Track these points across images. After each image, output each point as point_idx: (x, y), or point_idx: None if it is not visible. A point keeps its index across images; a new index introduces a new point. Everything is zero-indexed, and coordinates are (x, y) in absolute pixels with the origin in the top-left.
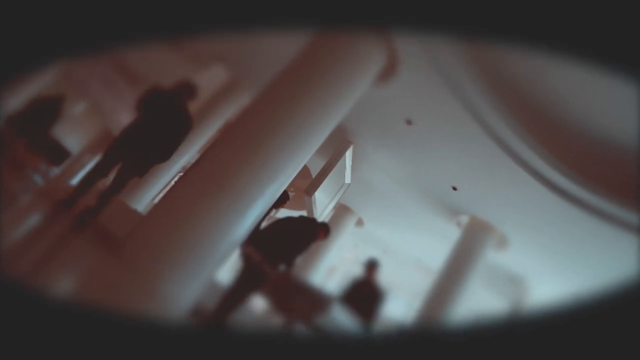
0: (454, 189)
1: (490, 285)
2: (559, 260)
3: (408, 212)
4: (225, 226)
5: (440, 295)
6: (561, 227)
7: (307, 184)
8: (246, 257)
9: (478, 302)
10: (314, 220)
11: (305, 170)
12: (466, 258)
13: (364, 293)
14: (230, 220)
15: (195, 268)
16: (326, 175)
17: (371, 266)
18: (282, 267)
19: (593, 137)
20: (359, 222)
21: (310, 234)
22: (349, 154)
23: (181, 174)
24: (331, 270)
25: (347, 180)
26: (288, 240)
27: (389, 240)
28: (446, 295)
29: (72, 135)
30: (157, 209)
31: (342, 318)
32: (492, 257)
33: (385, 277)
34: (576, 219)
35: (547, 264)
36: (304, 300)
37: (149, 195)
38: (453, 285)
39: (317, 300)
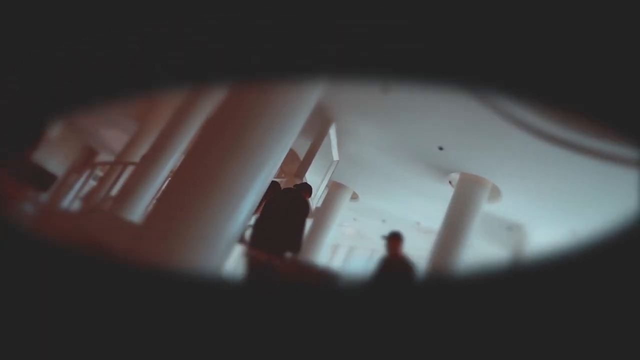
0: (440, 148)
1: (490, 236)
2: (553, 202)
3: (400, 179)
4: (221, 222)
5: (443, 253)
6: (550, 170)
7: (296, 167)
8: (253, 260)
9: (481, 254)
10: (293, 192)
11: (292, 154)
12: (463, 213)
13: (397, 270)
14: (226, 216)
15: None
16: (313, 156)
17: (395, 238)
18: (288, 254)
19: None
20: (354, 196)
21: (299, 209)
22: (332, 131)
23: (169, 178)
24: (335, 247)
25: (335, 157)
26: (284, 227)
27: (386, 209)
28: (449, 252)
29: (54, 157)
30: (152, 216)
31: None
32: (488, 209)
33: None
34: (564, 159)
35: (541, 208)
36: (311, 281)
37: (142, 204)
38: (454, 242)
39: (324, 279)
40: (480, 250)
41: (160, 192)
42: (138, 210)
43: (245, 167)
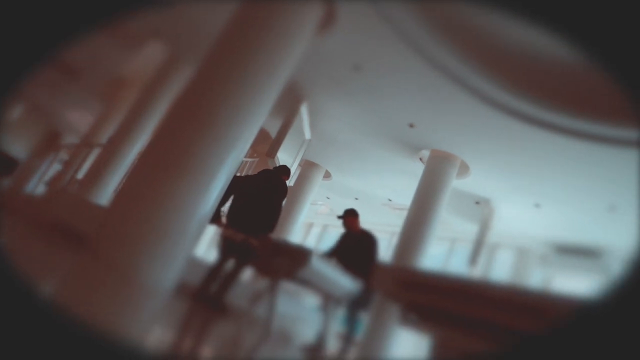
0: (411, 126)
1: (460, 211)
2: (519, 177)
3: (371, 156)
4: (191, 203)
5: (414, 228)
6: (516, 146)
7: (268, 146)
8: (228, 240)
9: (450, 229)
10: (271, 174)
11: (264, 134)
12: (433, 189)
13: (355, 244)
14: (196, 196)
15: (170, 250)
16: (285, 135)
17: (349, 215)
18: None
19: (536, 53)
20: (327, 175)
21: (277, 191)
22: (304, 110)
23: (137, 160)
24: (309, 226)
25: (307, 136)
26: (261, 207)
27: (358, 188)
28: (420, 227)
29: (16, 142)
30: (120, 199)
31: (322, 269)
32: (457, 184)
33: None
34: (530, 136)
35: (508, 183)
36: (284, 259)
37: (110, 187)
38: (425, 217)
39: (296, 256)
40: (449, 226)
41: (128, 174)
42: (106, 194)
43: (215, 146)
